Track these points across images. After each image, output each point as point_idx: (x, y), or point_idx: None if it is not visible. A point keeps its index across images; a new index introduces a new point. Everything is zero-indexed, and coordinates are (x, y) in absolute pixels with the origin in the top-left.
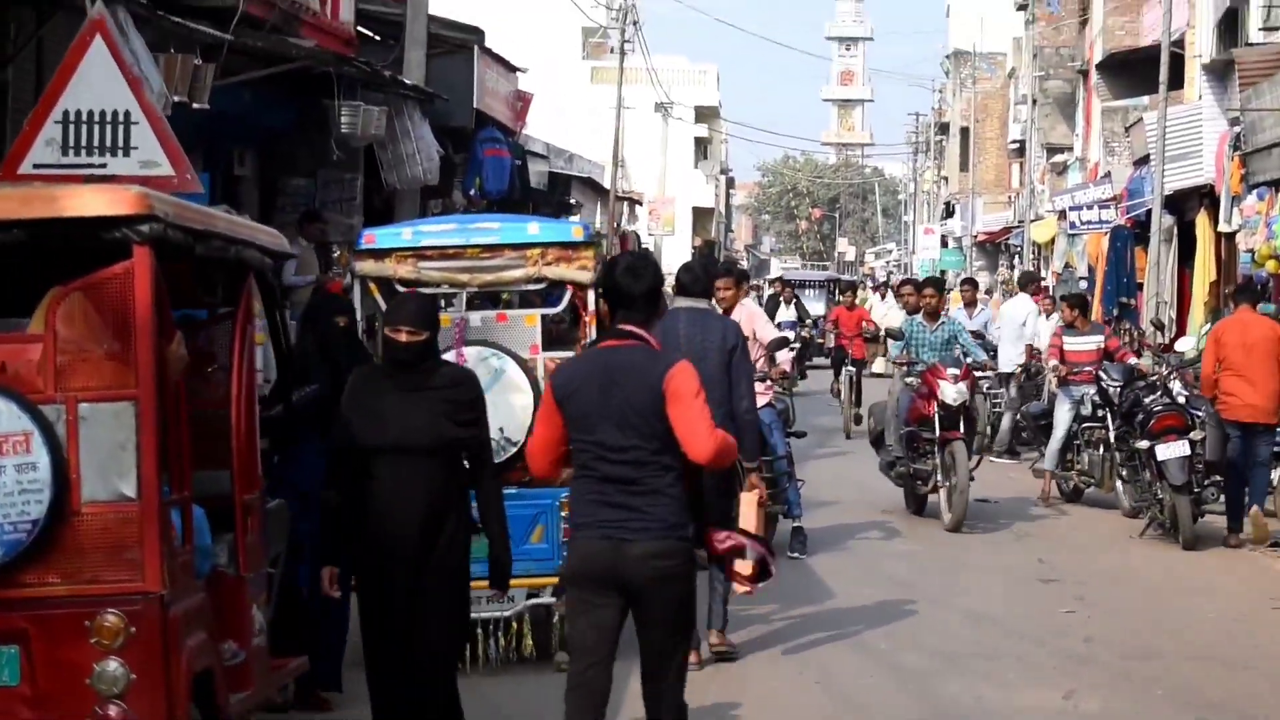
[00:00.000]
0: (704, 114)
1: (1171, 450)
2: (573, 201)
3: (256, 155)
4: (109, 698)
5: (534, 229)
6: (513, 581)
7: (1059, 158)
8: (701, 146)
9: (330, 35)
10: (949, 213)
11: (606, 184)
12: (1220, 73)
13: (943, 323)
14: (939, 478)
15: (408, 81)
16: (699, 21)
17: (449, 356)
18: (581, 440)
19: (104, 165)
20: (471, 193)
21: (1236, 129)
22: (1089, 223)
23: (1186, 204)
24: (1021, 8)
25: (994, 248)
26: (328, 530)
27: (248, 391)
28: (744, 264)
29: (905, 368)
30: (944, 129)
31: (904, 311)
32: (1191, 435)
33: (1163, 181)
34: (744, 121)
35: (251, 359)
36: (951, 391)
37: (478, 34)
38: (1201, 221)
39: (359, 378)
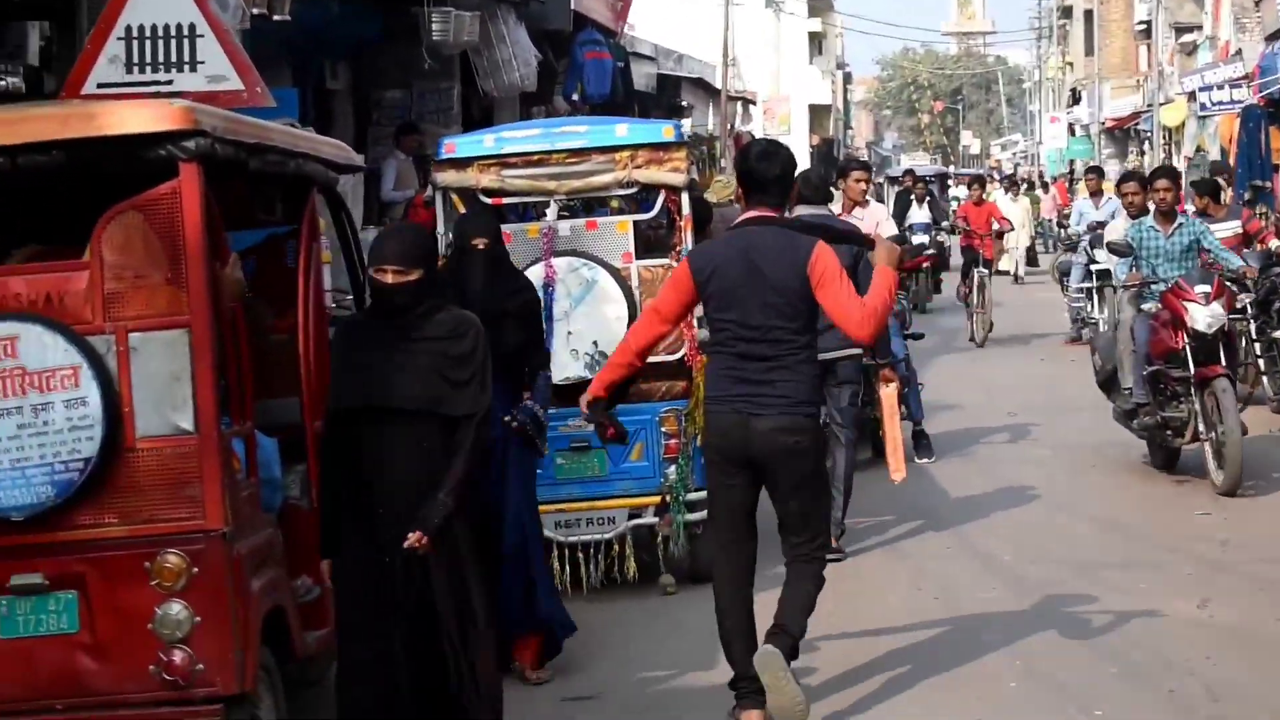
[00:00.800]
0: (817, 7)
1: None
2: (684, 104)
3: (349, 68)
4: (173, 643)
5: (622, 130)
6: (614, 501)
7: (1188, 37)
8: (816, 41)
9: None
10: (1075, 100)
11: (718, 84)
12: None
13: (1180, 224)
14: (1200, 427)
15: None
16: None
17: (536, 269)
18: (720, 319)
19: (170, 82)
20: (574, 97)
21: None
22: (1220, 103)
23: None
24: None
25: (1123, 134)
26: (324, 513)
27: (316, 314)
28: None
29: (1137, 289)
30: (1067, 13)
31: (1124, 215)
32: None
33: None
34: (860, 14)
35: (319, 279)
36: (1205, 315)
37: None
38: None
39: (344, 327)
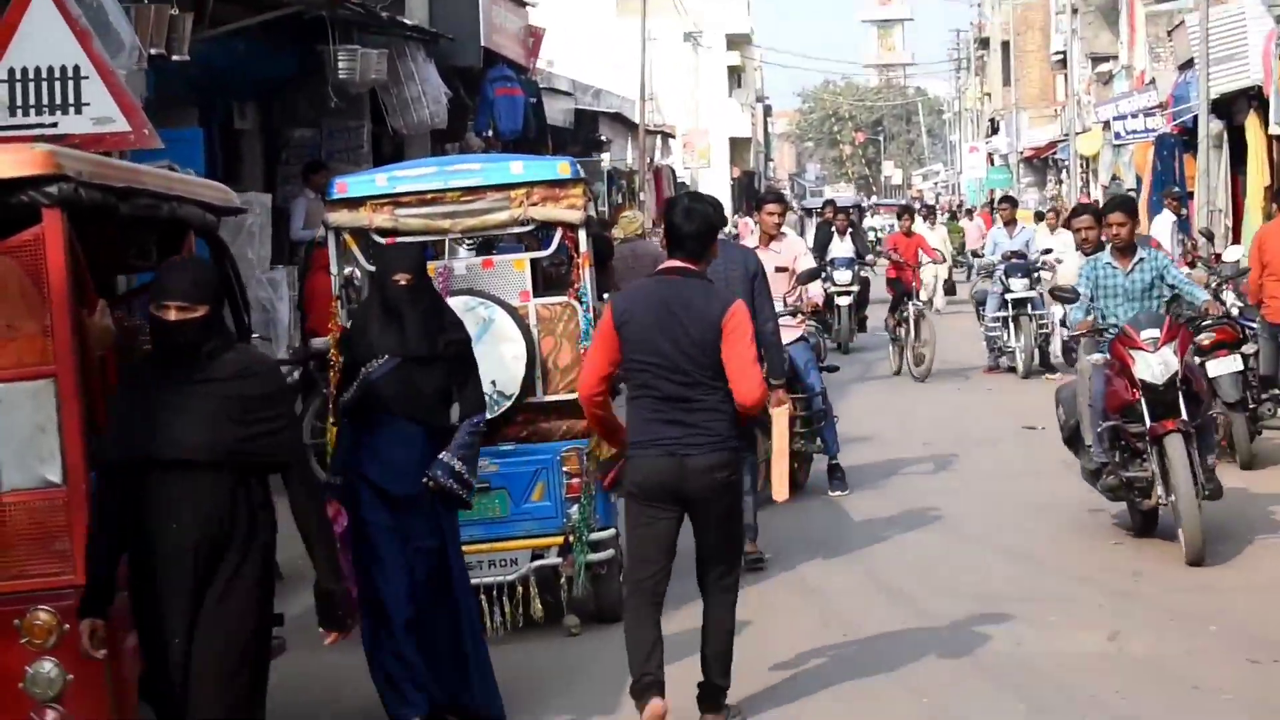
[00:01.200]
0: (736, 41)
1: (1223, 366)
2: (603, 139)
3: (258, 108)
4: (45, 702)
5: (517, 168)
6: (516, 543)
7: (1104, 67)
8: (735, 75)
9: None
10: (994, 130)
11: (636, 118)
12: None
13: (1140, 260)
14: (1159, 489)
15: (408, 22)
16: None
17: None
18: (640, 361)
19: (55, 124)
20: (487, 133)
21: None
22: (1134, 132)
23: (1235, 107)
24: None
25: (1041, 163)
26: (89, 572)
27: None
28: (787, 192)
29: (1091, 336)
30: (984, 43)
31: (1077, 251)
32: (1244, 349)
33: (1208, 85)
34: (778, 47)
35: None
36: (1153, 363)
37: None
38: (1252, 124)
39: (124, 371)
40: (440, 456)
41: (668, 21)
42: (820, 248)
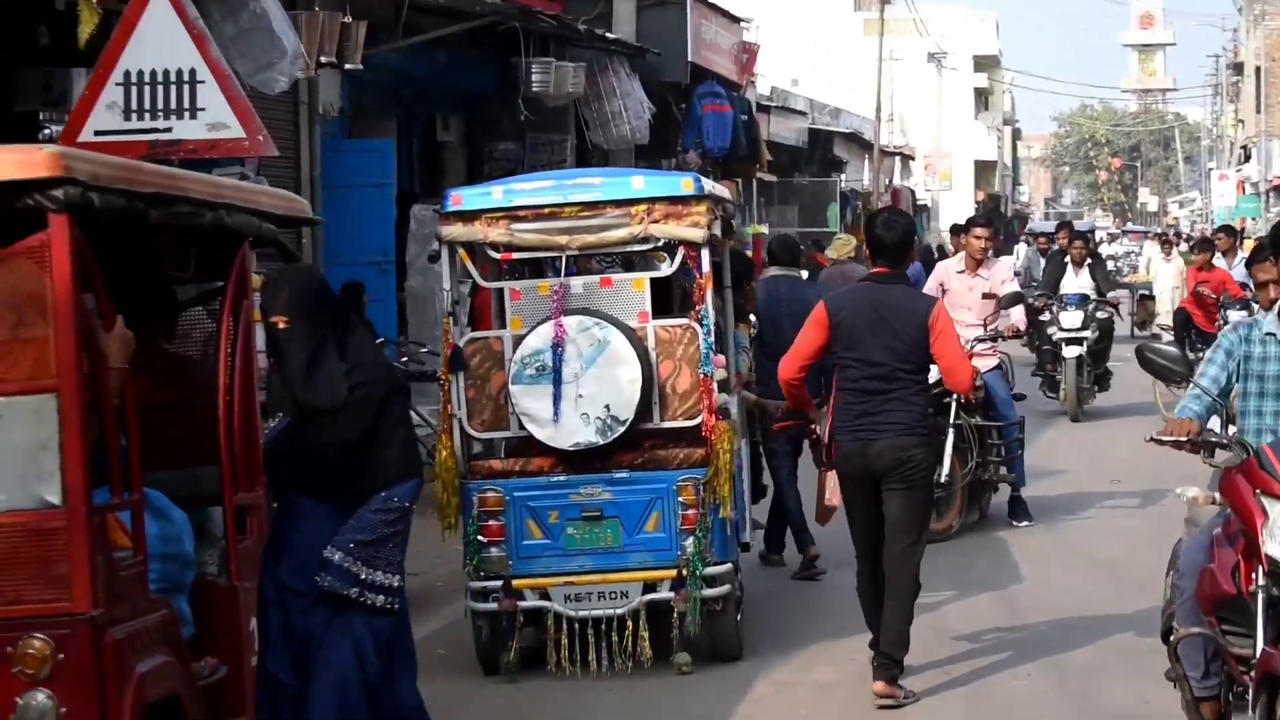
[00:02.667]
0: (983, 63)
1: None
2: (839, 158)
3: (462, 120)
4: None
5: (638, 183)
6: (628, 574)
7: None
8: (982, 97)
9: None
10: (1246, 157)
11: (873, 139)
12: None
13: None
14: None
15: (610, 35)
16: None
17: (546, 328)
18: (846, 356)
19: (169, 129)
20: (694, 150)
21: None
22: None
23: None
24: None
25: None
26: None
27: (242, 378)
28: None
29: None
30: (1238, 69)
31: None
32: None
33: None
34: (1031, 70)
35: (247, 340)
36: None
37: None
38: None
39: None
40: (325, 550)
41: (912, 42)
42: (1053, 281)
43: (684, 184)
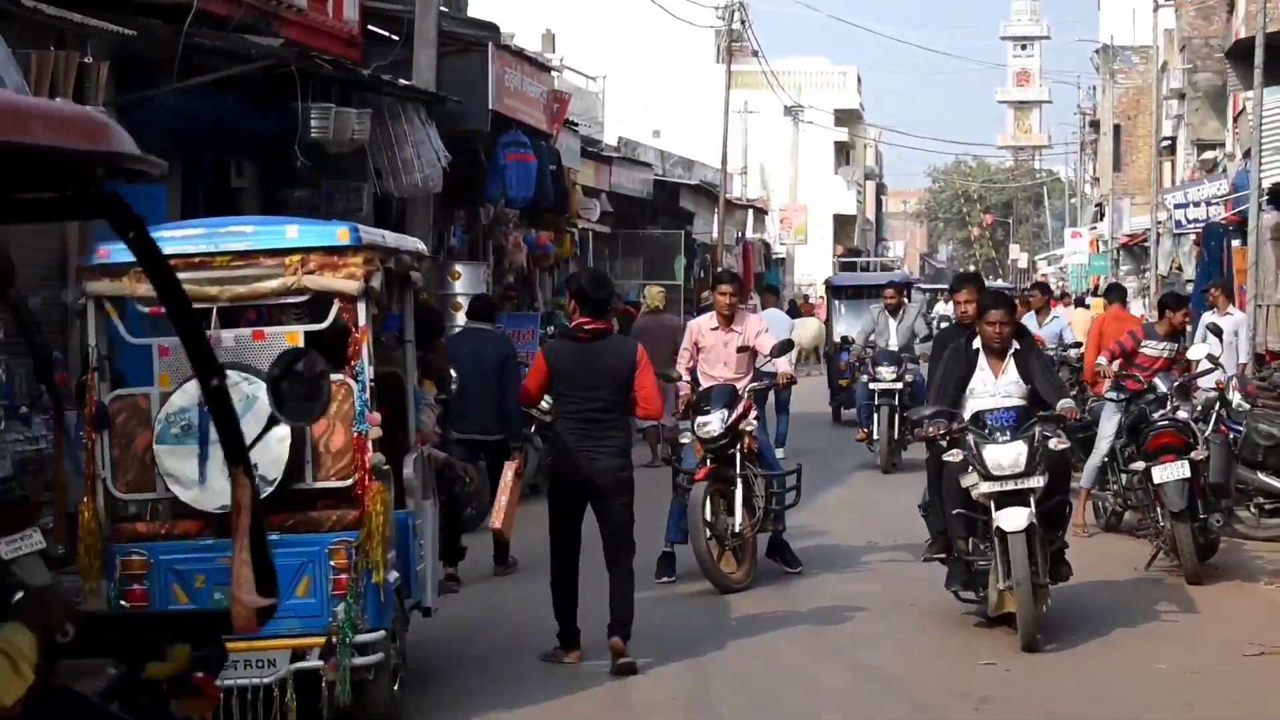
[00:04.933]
0: (844, 118)
1: (1168, 472)
2: (690, 210)
3: (255, 165)
4: None
5: (292, 232)
6: (275, 642)
7: (1208, 155)
8: (844, 151)
9: (325, 35)
10: (1101, 215)
11: (734, 191)
12: None
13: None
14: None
15: (401, 82)
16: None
17: (192, 384)
18: (567, 393)
19: None
20: (497, 200)
21: None
22: (1195, 221)
23: None
24: None
25: (1141, 250)
26: None
27: None
28: (905, 271)
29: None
30: (1095, 127)
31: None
32: (1192, 455)
33: (1260, 174)
34: (906, 128)
35: None
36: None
37: (493, 31)
38: None
39: None
40: None
41: (771, 96)
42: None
43: (340, 234)
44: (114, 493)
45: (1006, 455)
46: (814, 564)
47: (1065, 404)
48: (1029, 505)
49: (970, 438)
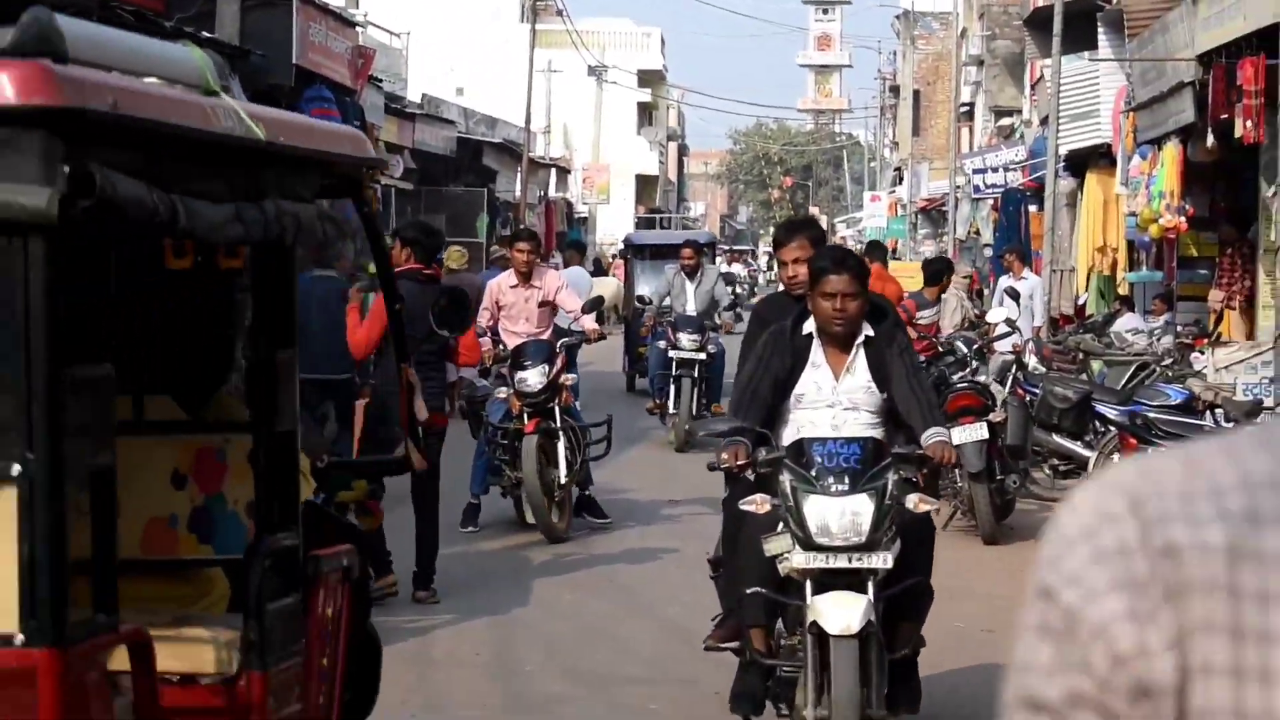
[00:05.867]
0: (647, 78)
1: (968, 434)
2: (493, 168)
3: None
4: None
5: None
6: None
7: (1006, 121)
8: (646, 112)
9: None
10: (900, 179)
11: (538, 150)
12: (1116, 24)
13: None
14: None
15: (204, 35)
16: None
17: None
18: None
19: None
20: None
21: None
22: (993, 186)
23: (1090, 165)
24: None
25: (939, 214)
26: None
27: None
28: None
29: None
30: (895, 92)
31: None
32: (990, 417)
33: (1057, 141)
34: (708, 89)
35: None
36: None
37: None
38: (1090, 183)
39: None
40: None
41: (575, 56)
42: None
43: None
44: None
45: (838, 515)
46: (619, 519)
47: (936, 436)
48: (867, 593)
49: (785, 479)
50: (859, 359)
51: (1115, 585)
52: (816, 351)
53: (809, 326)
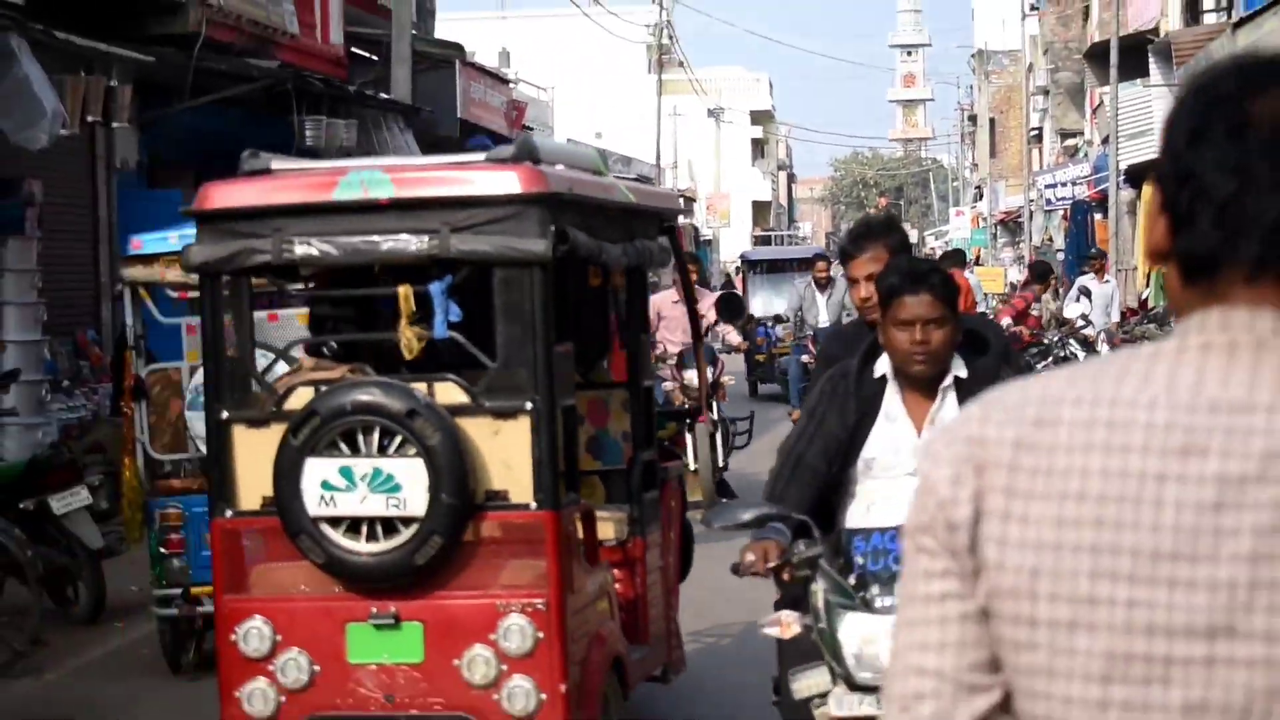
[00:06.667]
0: (759, 117)
1: None
2: None
3: None
4: None
5: None
6: None
7: (1070, 141)
8: (758, 146)
9: (315, 57)
10: (980, 196)
11: (667, 183)
12: (1165, 54)
13: None
14: None
15: (382, 96)
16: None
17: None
18: None
19: None
20: None
21: None
22: (1063, 198)
23: (1146, 177)
24: (1033, 9)
25: (1016, 225)
26: None
27: None
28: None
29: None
30: (973, 120)
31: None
32: None
33: (1118, 157)
34: (806, 124)
35: None
36: None
37: (458, 50)
38: (1147, 192)
39: None
40: None
41: (695, 100)
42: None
43: None
44: (151, 454)
45: (885, 643)
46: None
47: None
48: None
49: (819, 589)
50: (947, 406)
51: (947, 461)
52: (891, 399)
53: (881, 367)
